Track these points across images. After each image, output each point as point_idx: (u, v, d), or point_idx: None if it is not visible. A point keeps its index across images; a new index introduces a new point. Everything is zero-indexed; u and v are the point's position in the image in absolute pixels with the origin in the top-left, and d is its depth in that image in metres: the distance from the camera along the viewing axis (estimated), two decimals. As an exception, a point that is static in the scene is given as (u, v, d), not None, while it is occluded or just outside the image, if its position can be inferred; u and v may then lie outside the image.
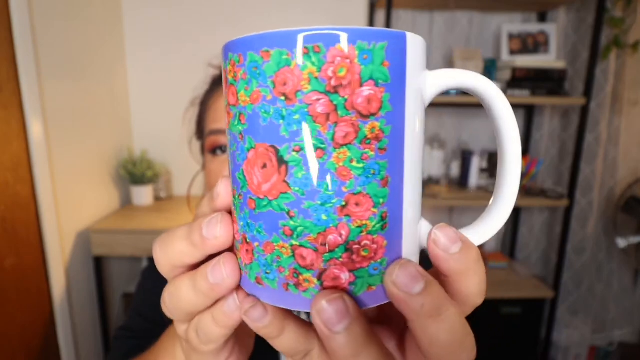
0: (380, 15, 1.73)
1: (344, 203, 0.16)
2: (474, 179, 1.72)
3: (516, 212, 1.94)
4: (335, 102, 0.15)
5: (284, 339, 0.18)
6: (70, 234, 1.38)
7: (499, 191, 0.19)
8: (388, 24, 1.47)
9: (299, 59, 0.15)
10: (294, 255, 0.16)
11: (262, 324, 0.18)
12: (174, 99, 1.80)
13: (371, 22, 1.72)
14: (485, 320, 1.69)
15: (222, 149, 0.48)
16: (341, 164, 0.16)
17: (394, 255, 0.17)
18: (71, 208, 1.38)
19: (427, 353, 0.16)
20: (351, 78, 0.15)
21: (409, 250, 0.18)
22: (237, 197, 0.18)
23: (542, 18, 1.77)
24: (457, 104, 1.80)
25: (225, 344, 0.22)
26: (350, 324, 0.15)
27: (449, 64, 1.77)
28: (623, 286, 1.88)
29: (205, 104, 0.53)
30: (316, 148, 0.15)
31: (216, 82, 0.55)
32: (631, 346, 1.91)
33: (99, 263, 1.51)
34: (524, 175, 1.73)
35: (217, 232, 0.18)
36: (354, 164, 0.16)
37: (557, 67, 1.57)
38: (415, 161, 0.17)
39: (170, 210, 1.65)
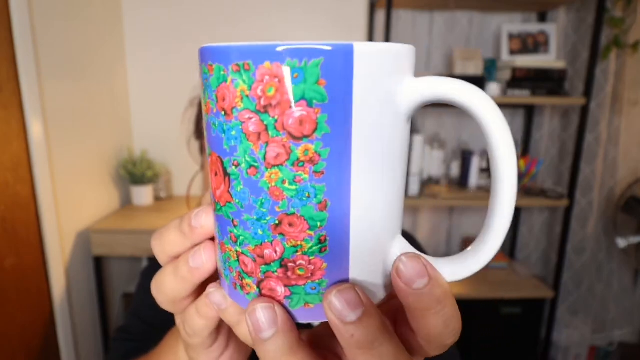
0: (380, 15, 1.73)
1: (277, 222, 0.16)
2: (474, 179, 1.72)
3: (516, 212, 1.94)
4: (265, 122, 0.15)
5: (242, 328, 0.20)
6: (70, 234, 1.38)
7: (490, 220, 0.18)
8: (388, 24, 1.47)
9: (231, 76, 0.15)
10: (238, 260, 0.17)
11: (221, 309, 0.19)
12: (174, 99, 1.80)
13: (371, 22, 1.72)
14: (485, 320, 1.69)
15: None
16: (273, 184, 0.15)
17: (337, 277, 0.17)
18: (71, 208, 1.38)
19: None
20: (280, 98, 0.14)
21: (362, 274, 0.17)
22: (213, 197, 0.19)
23: (542, 18, 1.77)
24: (457, 104, 1.79)
25: (215, 339, 0.23)
26: (276, 332, 0.16)
27: (449, 64, 1.77)
28: (623, 286, 1.88)
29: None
30: (249, 165, 0.15)
31: None
32: (631, 346, 1.91)
33: (99, 263, 1.51)
34: (524, 175, 1.73)
35: (203, 221, 0.19)
36: (286, 185, 0.15)
37: (557, 67, 1.57)
38: (378, 182, 0.16)
39: (170, 210, 1.65)
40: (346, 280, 0.17)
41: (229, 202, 0.17)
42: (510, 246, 1.98)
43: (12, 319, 1.15)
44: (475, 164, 1.71)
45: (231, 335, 0.24)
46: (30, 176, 1.20)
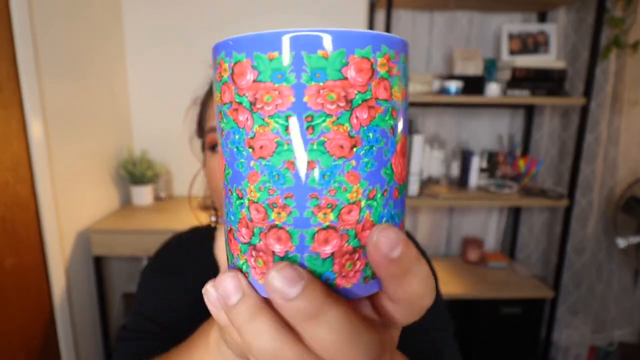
0: (380, 15, 1.73)
1: None
2: (474, 179, 1.72)
3: (516, 212, 1.94)
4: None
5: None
6: (70, 234, 1.38)
7: None
8: (388, 24, 1.47)
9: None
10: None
11: None
12: (174, 99, 1.80)
13: (371, 22, 1.72)
14: (485, 320, 1.69)
15: None
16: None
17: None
18: (71, 208, 1.38)
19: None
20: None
21: None
22: (380, 194, 0.17)
23: (542, 18, 1.77)
24: (457, 104, 1.80)
25: None
26: (242, 297, 0.17)
27: (449, 64, 1.77)
28: (623, 286, 1.88)
29: (206, 103, 0.54)
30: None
31: None
32: (631, 346, 1.91)
33: (99, 263, 1.51)
34: (524, 175, 1.73)
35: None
36: None
37: (557, 67, 1.57)
38: None
39: (170, 210, 1.65)
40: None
41: (406, 175, 0.19)
42: (510, 246, 1.98)
43: (12, 319, 1.15)
44: (475, 164, 1.71)
45: None
46: (30, 176, 1.20)
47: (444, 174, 1.83)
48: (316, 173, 0.16)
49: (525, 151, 1.86)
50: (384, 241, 0.15)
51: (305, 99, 0.15)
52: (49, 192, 1.25)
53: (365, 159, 0.16)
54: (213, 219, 0.58)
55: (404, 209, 0.19)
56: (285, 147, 0.15)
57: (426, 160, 1.76)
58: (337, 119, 0.15)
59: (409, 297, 0.17)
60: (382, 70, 0.16)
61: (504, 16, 1.78)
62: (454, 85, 1.52)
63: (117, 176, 1.70)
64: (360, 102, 0.16)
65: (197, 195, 0.67)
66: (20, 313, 1.18)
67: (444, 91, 1.55)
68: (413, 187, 1.60)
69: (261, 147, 0.15)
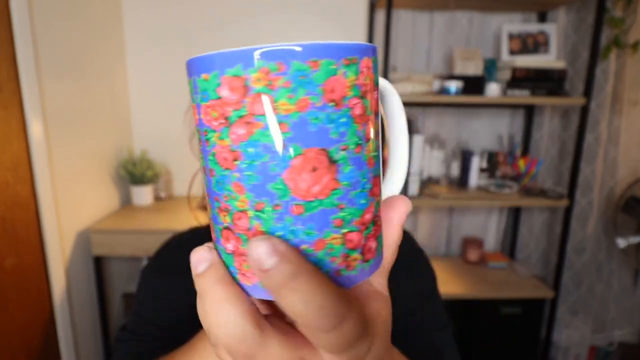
0: (380, 15, 1.73)
1: (371, 186, 0.19)
2: (474, 179, 1.72)
3: (516, 212, 1.94)
4: (365, 105, 0.18)
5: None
6: (70, 234, 1.38)
7: (394, 152, 0.24)
8: (388, 24, 1.47)
9: (342, 69, 0.17)
10: (344, 242, 0.18)
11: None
12: (174, 99, 1.80)
13: (371, 22, 1.72)
14: (485, 320, 1.69)
15: None
16: (370, 154, 0.19)
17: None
18: (71, 208, 1.38)
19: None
20: (371, 84, 0.18)
21: None
22: (269, 208, 0.17)
23: (542, 18, 1.77)
24: (457, 104, 1.80)
25: None
26: (279, 261, 0.16)
27: (449, 64, 1.77)
28: (623, 286, 1.88)
29: None
30: (356, 145, 0.18)
31: None
32: (631, 346, 1.91)
33: (99, 263, 1.51)
34: (524, 175, 1.73)
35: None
36: (375, 152, 0.19)
37: (557, 67, 1.57)
38: None
39: (170, 210, 1.65)
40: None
41: (336, 189, 0.17)
42: (510, 246, 1.98)
43: (12, 318, 1.15)
44: (475, 164, 1.71)
45: None
46: (30, 176, 1.20)
47: (444, 174, 1.83)
48: (214, 180, 0.18)
49: (525, 151, 1.86)
50: (253, 252, 0.16)
51: (202, 116, 0.17)
52: (49, 192, 1.25)
53: (248, 172, 0.17)
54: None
55: (322, 225, 0.17)
56: (202, 155, 0.18)
57: (426, 160, 1.76)
58: (221, 134, 0.17)
59: (290, 312, 0.16)
60: (257, 86, 0.16)
61: (504, 16, 1.78)
62: (454, 85, 1.52)
63: (117, 176, 1.70)
64: (235, 118, 0.16)
65: (196, 195, 0.67)
66: (20, 313, 1.18)
67: (444, 91, 1.55)
68: (413, 187, 1.60)
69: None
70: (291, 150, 0.16)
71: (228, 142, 0.17)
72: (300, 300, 0.15)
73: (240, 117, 0.16)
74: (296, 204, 0.17)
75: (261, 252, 0.15)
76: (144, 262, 1.91)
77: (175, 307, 0.52)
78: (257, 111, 0.16)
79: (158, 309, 0.52)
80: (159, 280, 0.55)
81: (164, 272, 0.56)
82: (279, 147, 0.16)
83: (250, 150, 0.17)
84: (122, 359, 0.49)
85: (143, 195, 1.70)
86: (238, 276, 0.19)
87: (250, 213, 0.17)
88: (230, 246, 0.18)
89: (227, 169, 0.17)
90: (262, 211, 0.17)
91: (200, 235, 0.60)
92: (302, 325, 0.16)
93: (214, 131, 0.17)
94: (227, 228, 0.18)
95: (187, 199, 0.64)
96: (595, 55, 1.49)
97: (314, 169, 0.17)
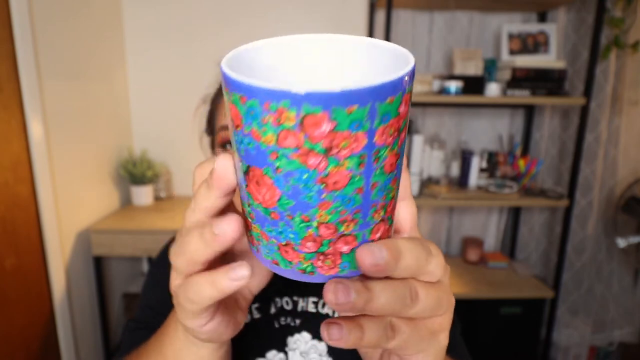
0: (380, 15, 1.73)
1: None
2: (474, 179, 1.72)
3: (516, 212, 1.94)
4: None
5: None
6: (70, 234, 1.38)
7: None
8: (388, 24, 1.47)
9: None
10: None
11: (242, 282, 0.22)
12: (174, 98, 1.80)
13: (371, 22, 1.72)
14: (485, 320, 1.69)
15: None
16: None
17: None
18: (71, 208, 1.38)
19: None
20: None
21: None
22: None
23: (542, 18, 1.77)
24: (457, 104, 1.80)
25: (209, 309, 0.24)
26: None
27: (449, 64, 1.77)
28: (623, 286, 1.88)
29: (216, 101, 0.55)
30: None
31: None
32: (631, 346, 1.91)
33: (99, 263, 1.51)
34: (524, 175, 1.73)
35: (225, 228, 0.21)
36: None
37: (557, 67, 1.57)
38: None
39: (170, 210, 1.65)
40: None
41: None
42: (510, 246, 1.98)
43: (12, 318, 1.15)
44: (475, 164, 1.71)
45: (219, 307, 0.26)
46: (30, 176, 1.20)
47: (444, 174, 1.83)
48: (376, 189, 0.19)
49: (525, 151, 1.86)
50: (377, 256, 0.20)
51: (375, 139, 0.18)
52: (49, 192, 1.25)
53: (399, 164, 0.21)
54: None
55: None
56: (357, 178, 0.18)
57: (426, 160, 1.76)
58: (392, 146, 0.19)
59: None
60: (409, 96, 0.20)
61: (504, 16, 1.78)
62: (454, 85, 1.52)
63: (117, 176, 1.70)
64: (403, 126, 0.19)
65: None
66: (20, 313, 1.18)
67: (444, 91, 1.55)
68: (413, 187, 1.60)
69: (335, 182, 0.18)
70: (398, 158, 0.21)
71: (397, 149, 0.19)
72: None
73: (406, 124, 0.20)
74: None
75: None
76: (144, 262, 1.91)
77: None
78: (406, 117, 0.20)
79: (168, 301, 0.53)
80: (165, 272, 0.56)
81: (169, 267, 0.57)
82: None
83: (403, 147, 0.21)
84: (131, 348, 0.50)
85: (143, 195, 1.70)
86: (317, 266, 0.21)
87: (396, 194, 0.22)
88: (378, 236, 0.21)
89: (391, 172, 0.20)
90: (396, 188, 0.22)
91: None
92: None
93: (387, 146, 0.19)
94: (379, 222, 0.21)
95: (194, 197, 0.65)
96: (595, 55, 1.49)
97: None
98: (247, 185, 0.20)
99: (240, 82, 0.17)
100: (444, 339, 0.24)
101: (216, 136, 0.52)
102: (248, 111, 0.17)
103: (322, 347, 0.49)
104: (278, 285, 0.52)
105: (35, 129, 1.19)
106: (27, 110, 1.16)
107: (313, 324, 0.50)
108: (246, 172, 0.19)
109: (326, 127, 0.17)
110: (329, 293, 0.19)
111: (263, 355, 0.49)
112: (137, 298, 1.67)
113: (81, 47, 1.44)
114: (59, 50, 1.31)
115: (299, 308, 0.51)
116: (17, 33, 1.12)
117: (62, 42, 1.32)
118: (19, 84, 1.15)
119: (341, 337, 0.20)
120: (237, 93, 0.17)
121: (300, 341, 0.49)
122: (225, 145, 0.50)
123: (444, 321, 0.24)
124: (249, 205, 0.21)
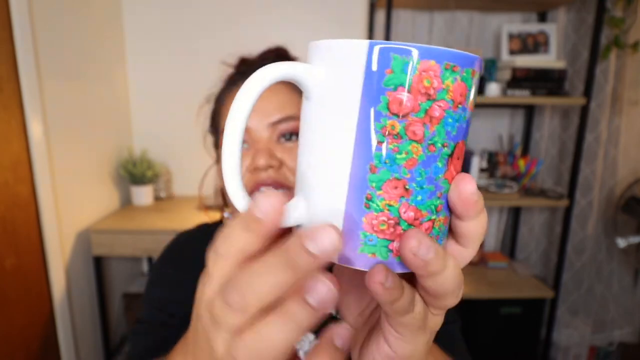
0: (380, 15, 1.73)
1: None
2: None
3: (516, 212, 1.94)
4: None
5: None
6: (70, 234, 1.38)
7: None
8: (388, 24, 1.47)
9: (473, 79, 0.20)
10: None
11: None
12: (174, 98, 1.80)
13: (371, 22, 1.72)
14: (485, 320, 1.69)
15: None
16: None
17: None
18: (71, 208, 1.38)
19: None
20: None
21: None
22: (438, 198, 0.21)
23: (542, 18, 1.77)
24: (457, 104, 1.80)
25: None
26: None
27: (449, 64, 1.77)
28: (623, 286, 1.88)
29: (220, 101, 0.55)
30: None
31: (231, 81, 0.57)
32: (631, 346, 1.91)
33: (99, 263, 1.51)
34: (524, 175, 1.73)
35: (267, 207, 0.18)
36: None
37: (557, 67, 1.57)
38: None
39: (170, 210, 1.65)
40: None
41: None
42: (510, 246, 1.98)
43: (12, 318, 1.15)
44: (476, 164, 1.72)
45: None
46: (30, 176, 1.20)
47: (444, 174, 1.83)
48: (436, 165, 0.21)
49: (525, 151, 1.86)
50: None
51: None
52: (49, 192, 1.25)
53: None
54: (226, 215, 0.58)
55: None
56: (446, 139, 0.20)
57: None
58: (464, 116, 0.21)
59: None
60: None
61: (504, 16, 1.78)
62: (454, 85, 1.52)
63: (117, 176, 1.70)
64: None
65: (194, 194, 0.67)
66: (20, 313, 1.18)
67: (444, 91, 1.55)
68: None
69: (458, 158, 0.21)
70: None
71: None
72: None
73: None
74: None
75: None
76: (144, 262, 1.91)
77: (189, 297, 0.53)
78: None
79: (173, 299, 0.53)
80: (173, 271, 0.56)
81: (176, 264, 0.57)
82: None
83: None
84: (139, 351, 0.50)
85: (143, 195, 1.70)
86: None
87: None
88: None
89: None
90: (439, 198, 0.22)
91: (209, 232, 0.61)
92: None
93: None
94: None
95: (198, 196, 0.66)
96: (595, 55, 1.49)
97: (458, 157, 0.22)
98: (446, 171, 0.20)
99: (474, 57, 0.19)
100: (429, 341, 0.24)
101: (222, 135, 0.53)
102: (472, 84, 0.19)
103: None
104: None
105: (35, 129, 1.19)
106: (27, 110, 1.16)
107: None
108: (451, 154, 0.20)
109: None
110: (413, 239, 0.18)
111: None
112: (137, 298, 1.67)
113: (81, 47, 1.44)
114: (59, 50, 1.31)
115: None
116: (17, 33, 1.12)
117: (62, 42, 1.32)
118: (19, 84, 1.14)
119: (388, 284, 0.19)
120: (471, 68, 0.19)
121: (304, 341, 0.49)
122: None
123: (439, 321, 0.24)
124: (439, 197, 0.21)
